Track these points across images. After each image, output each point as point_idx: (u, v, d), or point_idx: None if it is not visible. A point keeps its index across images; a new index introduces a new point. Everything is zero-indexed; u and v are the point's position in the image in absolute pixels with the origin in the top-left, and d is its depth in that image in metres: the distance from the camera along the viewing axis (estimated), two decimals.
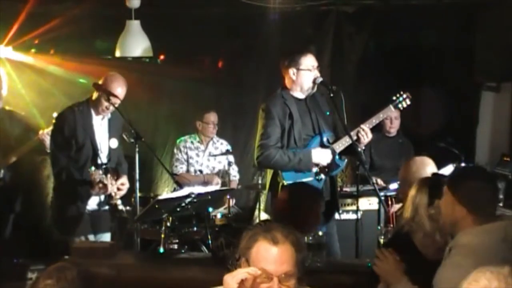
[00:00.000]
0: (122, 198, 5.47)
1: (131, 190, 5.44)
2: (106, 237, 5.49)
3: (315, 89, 5.27)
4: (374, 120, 5.35)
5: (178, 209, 5.01)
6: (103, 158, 5.39)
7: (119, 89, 5.27)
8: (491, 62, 7.02)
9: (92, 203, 5.38)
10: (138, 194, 5.36)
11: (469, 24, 7.17)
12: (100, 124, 5.41)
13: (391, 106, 5.40)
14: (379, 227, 4.63)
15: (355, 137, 5.20)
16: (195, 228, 6.24)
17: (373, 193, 5.49)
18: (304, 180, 5.16)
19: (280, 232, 2.75)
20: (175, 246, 5.74)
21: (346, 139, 5.18)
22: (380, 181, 6.25)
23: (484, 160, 7.19)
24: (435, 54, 7.19)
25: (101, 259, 4.61)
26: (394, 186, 6.00)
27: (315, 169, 5.22)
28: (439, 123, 7.07)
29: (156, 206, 4.92)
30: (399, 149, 6.81)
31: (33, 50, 7.33)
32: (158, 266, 4.61)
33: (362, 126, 5.24)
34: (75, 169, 5.27)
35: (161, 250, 4.88)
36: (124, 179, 5.42)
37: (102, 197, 5.38)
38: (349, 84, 7.32)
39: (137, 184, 5.31)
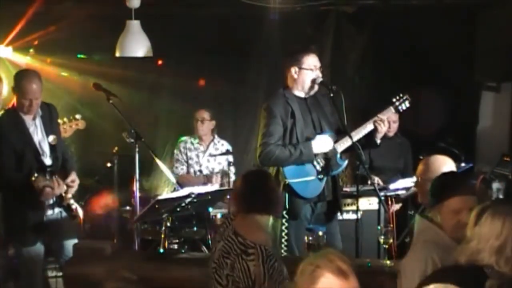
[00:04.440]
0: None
1: (131, 190, 5.43)
2: (69, 244, 5.11)
3: (316, 89, 5.28)
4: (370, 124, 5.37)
5: (178, 209, 5.01)
6: (46, 161, 5.12)
7: (34, 85, 4.99)
8: (491, 62, 7.02)
9: (49, 211, 5.13)
10: (138, 194, 5.36)
11: (469, 24, 7.18)
12: (34, 125, 5.15)
13: (391, 108, 5.41)
14: (379, 227, 4.62)
15: (372, 128, 5.23)
16: (195, 228, 6.25)
17: (373, 193, 5.49)
18: (306, 179, 5.17)
19: (342, 261, 2.50)
20: (175, 246, 5.76)
21: (348, 139, 5.19)
22: (380, 181, 6.26)
23: (484, 160, 7.19)
24: (435, 54, 7.19)
25: (101, 259, 4.61)
26: (394, 186, 6.01)
27: (317, 166, 5.23)
28: (439, 123, 7.08)
29: (156, 206, 4.92)
30: (397, 149, 6.81)
31: (32, 51, 7.32)
32: (158, 266, 4.61)
33: (379, 115, 5.26)
34: (20, 178, 4.97)
35: (161, 250, 4.88)
36: (73, 176, 5.17)
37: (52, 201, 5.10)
38: (349, 84, 7.32)
39: (137, 184, 5.30)
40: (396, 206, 6.08)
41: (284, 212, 5.07)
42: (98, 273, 4.14)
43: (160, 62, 7.66)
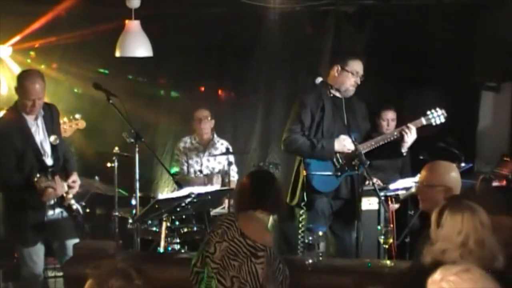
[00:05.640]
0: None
1: (131, 190, 5.42)
2: (69, 244, 5.06)
3: (352, 92, 5.35)
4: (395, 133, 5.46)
5: (178, 209, 5.01)
6: (48, 161, 5.10)
7: (37, 86, 4.97)
8: (491, 62, 7.02)
9: (50, 211, 5.11)
10: (138, 194, 5.36)
11: (469, 24, 7.17)
12: (36, 125, 5.11)
13: (422, 119, 5.47)
14: (379, 227, 4.62)
15: (398, 135, 5.35)
16: (195, 228, 6.25)
17: (373, 193, 5.49)
18: (324, 173, 5.31)
19: None
20: (175, 246, 5.76)
21: (372, 142, 5.35)
22: (379, 181, 6.25)
23: (484, 160, 7.19)
24: (435, 54, 7.18)
25: (101, 259, 4.61)
26: (394, 186, 6.01)
27: (336, 164, 5.35)
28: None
29: (156, 206, 4.92)
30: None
31: (33, 53, 7.32)
32: (158, 266, 4.61)
33: (409, 124, 5.37)
34: (20, 179, 4.96)
35: (161, 250, 4.88)
36: (74, 176, 5.16)
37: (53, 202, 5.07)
38: None
39: (137, 184, 5.30)
40: (395, 206, 6.08)
41: (302, 204, 5.23)
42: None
43: (162, 81, 7.73)
